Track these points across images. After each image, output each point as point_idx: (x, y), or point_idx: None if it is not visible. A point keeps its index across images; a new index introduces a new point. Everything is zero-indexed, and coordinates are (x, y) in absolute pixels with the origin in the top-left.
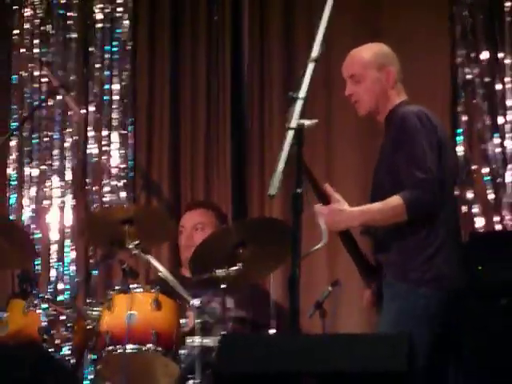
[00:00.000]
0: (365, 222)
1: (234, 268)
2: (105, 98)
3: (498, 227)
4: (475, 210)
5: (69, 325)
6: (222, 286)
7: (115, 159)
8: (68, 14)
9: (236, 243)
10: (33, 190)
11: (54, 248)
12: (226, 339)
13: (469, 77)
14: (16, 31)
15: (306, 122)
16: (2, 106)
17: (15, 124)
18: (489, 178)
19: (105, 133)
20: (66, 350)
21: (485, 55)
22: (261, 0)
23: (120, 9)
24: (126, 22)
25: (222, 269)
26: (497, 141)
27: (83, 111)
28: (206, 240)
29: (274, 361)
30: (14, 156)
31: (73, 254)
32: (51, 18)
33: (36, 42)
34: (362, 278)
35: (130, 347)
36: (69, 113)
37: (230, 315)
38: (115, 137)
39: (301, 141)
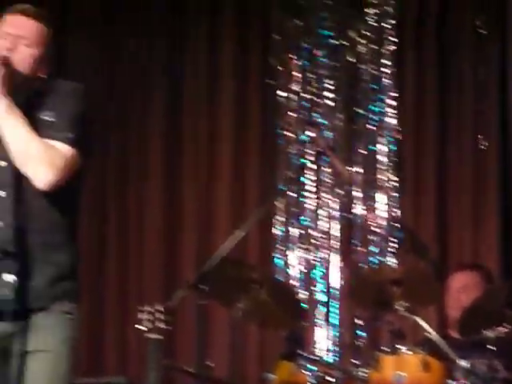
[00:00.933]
0: None
1: (503, 329)
2: (371, 158)
3: None
4: None
5: None
6: (491, 348)
7: (382, 219)
8: (333, 74)
9: (505, 304)
10: (299, 251)
11: (320, 309)
12: None
13: None
14: (282, 93)
15: None
16: (269, 168)
17: (281, 185)
18: None
19: (371, 193)
20: None
21: None
22: None
23: (384, 69)
24: (391, 82)
25: (491, 330)
26: None
27: (349, 172)
28: (475, 301)
29: None
30: (280, 217)
31: (340, 315)
32: (318, 79)
33: (303, 103)
34: None
35: None
36: (335, 174)
37: (498, 377)
38: (381, 197)
39: None
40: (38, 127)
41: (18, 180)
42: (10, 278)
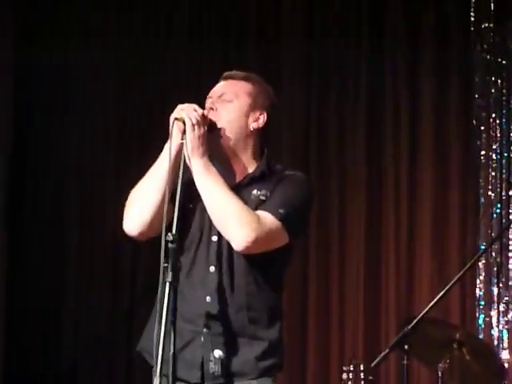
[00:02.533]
0: None
1: None
2: None
3: None
4: None
5: None
6: None
7: None
8: None
9: None
10: (501, 310)
11: None
12: None
13: None
14: (483, 152)
15: None
16: (472, 226)
17: (483, 245)
18: None
19: None
20: None
21: None
22: None
23: None
24: None
25: None
26: None
27: None
28: None
29: None
30: (482, 276)
31: None
32: None
33: (503, 162)
34: None
35: None
36: None
37: None
38: None
39: None
40: (250, 202)
41: (227, 256)
42: (218, 354)
